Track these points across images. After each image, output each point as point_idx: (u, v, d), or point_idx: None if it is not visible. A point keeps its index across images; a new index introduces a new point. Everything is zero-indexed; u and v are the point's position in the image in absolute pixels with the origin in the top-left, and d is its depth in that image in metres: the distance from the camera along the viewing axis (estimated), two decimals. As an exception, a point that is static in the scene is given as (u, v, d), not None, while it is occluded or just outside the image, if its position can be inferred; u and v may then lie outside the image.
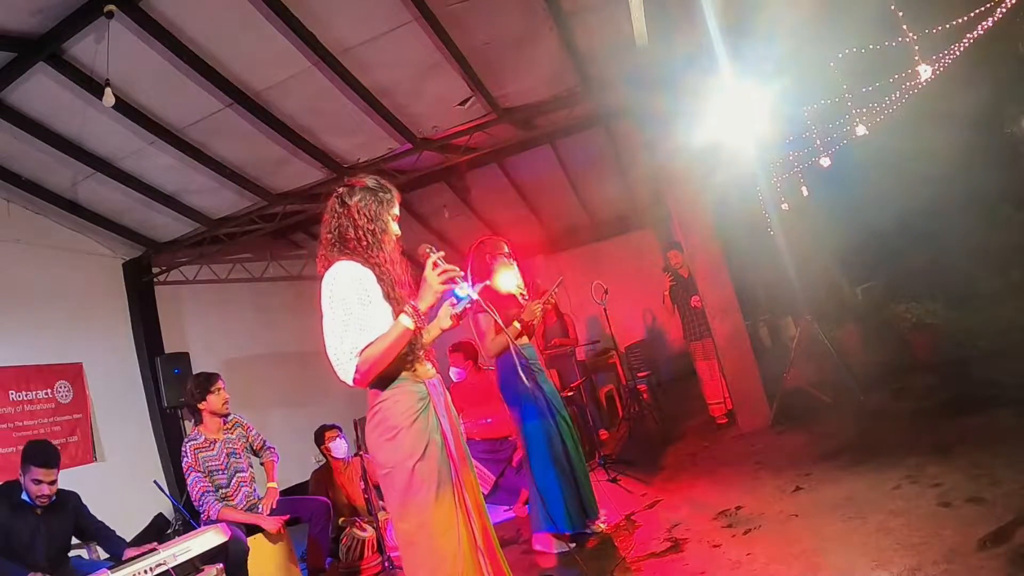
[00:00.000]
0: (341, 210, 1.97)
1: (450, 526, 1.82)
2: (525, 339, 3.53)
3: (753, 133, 5.03)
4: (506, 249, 3.57)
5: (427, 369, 1.98)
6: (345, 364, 1.79)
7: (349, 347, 1.78)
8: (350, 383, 1.81)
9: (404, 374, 1.90)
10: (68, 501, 3.22)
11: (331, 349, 1.81)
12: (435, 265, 1.85)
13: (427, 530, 1.80)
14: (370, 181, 2.02)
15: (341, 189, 2.01)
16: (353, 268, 1.87)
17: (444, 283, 1.84)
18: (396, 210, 2.05)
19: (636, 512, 3.71)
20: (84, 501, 3.36)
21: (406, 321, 1.81)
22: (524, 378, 3.21)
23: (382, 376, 1.86)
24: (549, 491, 3.34)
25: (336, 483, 4.45)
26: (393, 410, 1.86)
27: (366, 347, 1.78)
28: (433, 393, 1.95)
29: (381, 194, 2.00)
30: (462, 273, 1.87)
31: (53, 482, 3.06)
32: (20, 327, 5.27)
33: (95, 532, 3.27)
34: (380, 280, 1.89)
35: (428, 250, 1.89)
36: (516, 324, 3.38)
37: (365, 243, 1.92)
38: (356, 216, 1.94)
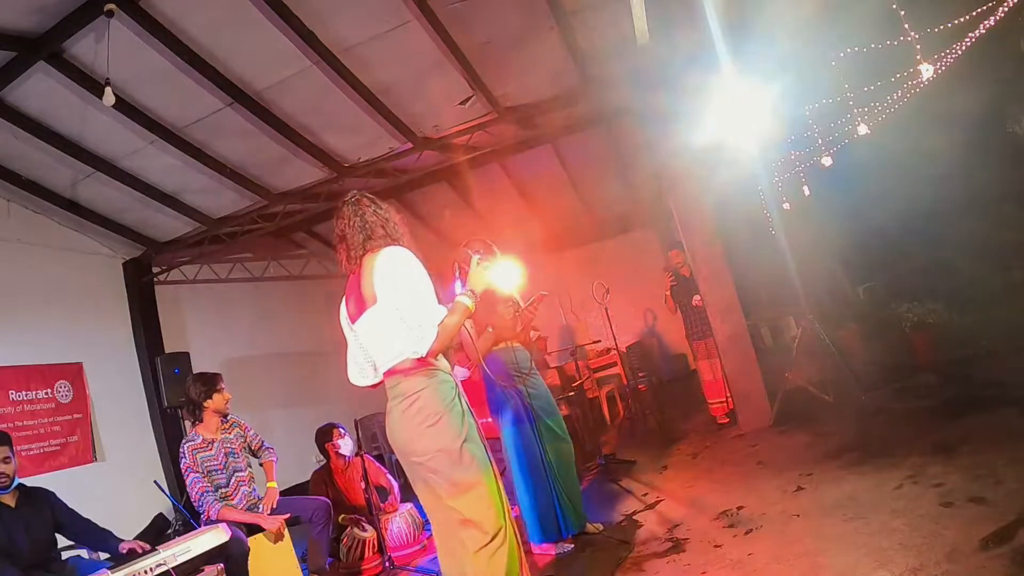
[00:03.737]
0: (362, 211, 2.13)
1: (500, 495, 1.99)
2: (516, 343, 3.51)
3: (755, 132, 5.03)
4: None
5: (444, 361, 2.10)
6: (428, 334, 1.89)
7: (434, 318, 1.90)
8: (424, 352, 1.91)
9: (433, 365, 2.01)
10: (42, 497, 3.17)
11: (415, 319, 1.91)
12: (479, 261, 2.10)
13: (483, 487, 1.93)
14: (364, 199, 2.20)
15: (349, 200, 2.18)
16: (407, 251, 2.04)
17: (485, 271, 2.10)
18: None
19: (637, 512, 3.71)
20: (84, 501, 3.34)
21: (467, 301, 1.97)
22: (489, 382, 3.25)
23: (416, 367, 1.98)
24: (521, 501, 3.34)
25: (337, 483, 4.44)
26: (434, 397, 1.95)
27: (442, 320, 1.92)
28: (458, 382, 2.09)
29: (386, 209, 2.21)
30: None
31: (7, 459, 3.03)
32: (20, 327, 5.26)
33: (79, 528, 3.21)
34: None
35: (471, 253, 2.15)
36: (490, 330, 3.38)
37: (397, 235, 2.11)
38: (377, 217, 2.13)
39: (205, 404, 3.63)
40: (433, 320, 1.90)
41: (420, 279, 1.95)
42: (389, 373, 2.03)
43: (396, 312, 1.94)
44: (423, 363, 1.97)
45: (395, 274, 1.95)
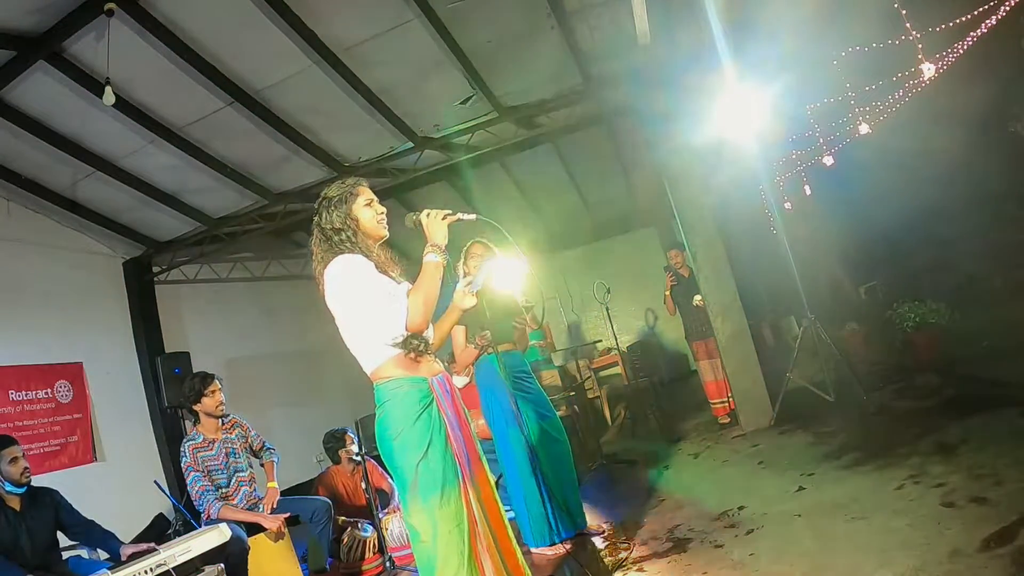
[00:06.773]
0: (322, 213, 2.10)
1: (454, 528, 1.82)
2: (508, 344, 3.47)
3: (756, 132, 5.02)
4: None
5: (432, 365, 1.97)
6: (399, 315, 1.84)
7: (399, 299, 1.86)
8: (408, 329, 1.85)
9: (407, 372, 1.90)
10: (46, 497, 3.18)
11: (376, 313, 1.85)
12: (428, 215, 1.99)
13: (432, 531, 1.81)
14: (331, 191, 2.12)
15: (317, 208, 2.13)
16: (357, 257, 1.94)
17: (445, 219, 1.98)
18: (364, 197, 2.10)
19: (638, 512, 3.70)
20: (85, 501, 3.34)
21: (435, 257, 1.89)
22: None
23: (386, 375, 1.89)
24: (516, 506, 3.31)
25: (339, 484, 4.44)
26: (396, 410, 1.87)
27: (409, 297, 1.87)
28: (438, 390, 1.94)
29: (343, 194, 2.09)
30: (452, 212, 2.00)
31: (20, 457, 3.07)
32: (20, 327, 5.25)
33: (82, 528, 3.21)
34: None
35: (414, 215, 2.03)
36: (471, 346, 3.36)
37: (349, 244, 2.00)
38: (331, 233, 2.02)
39: (195, 407, 3.62)
40: (400, 301, 1.86)
41: (371, 282, 1.88)
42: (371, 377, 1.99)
43: (355, 325, 1.90)
44: (391, 370, 1.89)
45: (343, 282, 1.89)
